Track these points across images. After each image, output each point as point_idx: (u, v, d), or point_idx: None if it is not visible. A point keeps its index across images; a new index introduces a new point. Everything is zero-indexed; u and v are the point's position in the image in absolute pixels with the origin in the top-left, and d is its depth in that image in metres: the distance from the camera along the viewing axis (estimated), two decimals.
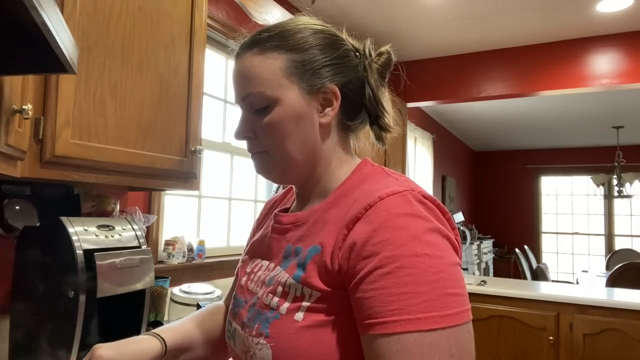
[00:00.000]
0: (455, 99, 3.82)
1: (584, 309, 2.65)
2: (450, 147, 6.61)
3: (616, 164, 5.70)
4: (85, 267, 1.06)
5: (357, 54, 0.74)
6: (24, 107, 0.83)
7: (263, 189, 2.69)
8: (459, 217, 5.02)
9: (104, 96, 1.15)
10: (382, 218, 0.57)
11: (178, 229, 2.07)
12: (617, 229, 7.25)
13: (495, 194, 7.93)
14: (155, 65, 1.31)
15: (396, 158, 3.51)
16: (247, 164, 2.53)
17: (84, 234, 1.11)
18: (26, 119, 0.88)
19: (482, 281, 3.09)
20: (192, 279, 1.97)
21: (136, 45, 1.25)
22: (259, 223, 0.87)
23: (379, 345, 0.53)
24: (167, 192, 1.93)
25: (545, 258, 7.65)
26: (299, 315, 0.60)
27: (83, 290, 1.05)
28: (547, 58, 3.39)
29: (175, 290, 1.77)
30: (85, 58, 1.10)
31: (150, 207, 1.85)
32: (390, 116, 0.74)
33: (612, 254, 6.01)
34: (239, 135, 0.71)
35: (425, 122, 5.31)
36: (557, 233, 7.68)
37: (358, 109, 0.73)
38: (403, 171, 3.66)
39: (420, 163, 4.99)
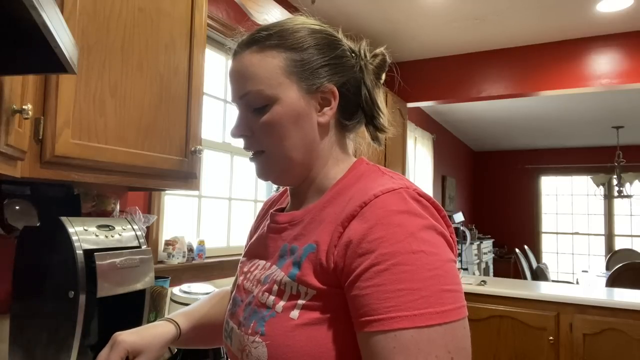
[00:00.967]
0: (455, 99, 3.82)
1: (584, 309, 2.65)
2: (450, 147, 6.61)
3: (616, 164, 5.70)
4: (85, 267, 1.06)
5: (353, 54, 0.74)
6: (24, 107, 0.83)
7: (263, 189, 2.69)
8: (459, 217, 5.02)
9: (104, 96, 1.15)
10: (378, 215, 0.58)
11: (178, 229, 2.07)
12: (617, 229, 7.25)
13: (495, 194, 7.93)
14: (155, 65, 1.31)
15: (396, 158, 3.51)
16: (247, 164, 2.54)
17: (84, 234, 1.11)
18: (26, 119, 0.88)
19: (482, 281, 3.09)
20: (192, 279, 1.97)
21: (136, 45, 1.25)
22: (257, 224, 0.87)
23: (376, 342, 0.53)
24: (167, 192, 1.93)
25: (545, 258, 7.65)
26: (295, 313, 0.60)
27: (83, 290, 1.05)
28: (547, 58, 3.39)
29: (175, 290, 1.77)
30: (85, 58, 1.10)
31: (150, 207, 1.85)
32: (385, 117, 0.75)
33: (612, 254, 6.01)
34: (236, 133, 0.72)
35: (425, 122, 5.31)
36: (557, 233, 7.68)
37: (355, 109, 0.74)
38: (403, 171, 3.66)
39: (420, 163, 4.99)
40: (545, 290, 2.95)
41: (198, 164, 1.46)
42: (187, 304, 1.74)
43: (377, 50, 0.77)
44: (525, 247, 6.34)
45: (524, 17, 3.02)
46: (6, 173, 0.87)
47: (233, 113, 2.43)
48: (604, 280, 4.34)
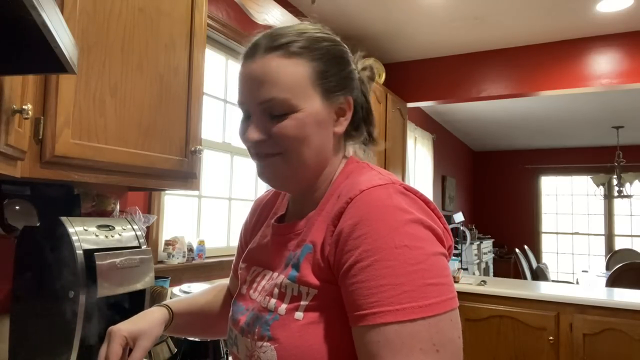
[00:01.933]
0: (455, 99, 3.82)
1: (584, 309, 2.65)
2: (450, 147, 6.61)
3: (616, 164, 5.70)
4: (85, 267, 1.06)
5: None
6: (24, 107, 0.83)
7: (263, 189, 2.69)
8: (459, 217, 5.02)
9: (104, 96, 1.15)
10: (362, 211, 0.59)
11: (178, 229, 2.07)
12: (617, 229, 7.25)
13: (495, 194, 7.93)
14: (155, 65, 1.31)
15: (396, 158, 3.51)
16: (247, 164, 2.53)
17: (84, 234, 1.11)
18: (26, 119, 0.88)
19: (482, 281, 3.09)
20: (192, 279, 1.97)
21: (136, 45, 1.25)
22: (253, 226, 0.89)
23: (363, 336, 0.55)
24: (167, 192, 1.93)
25: (545, 258, 7.65)
26: (299, 314, 0.61)
27: (83, 290, 1.05)
28: (547, 58, 3.39)
29: (175, 290, 1.77)
30: (85, 58, 1.10)
31: (150, 207, 1.85)
32: (376, 129, 0.79)
33: (612, 254, 6.01)
34: (253, 137, 0.67)
35: (425, 122, 5.31)
36: (557, 233, 7.68)
37: (360, 121, 0.76)
38: (403, 171, 3.66)
39: (420, 163, 4.99)
40: (545, 290, 2.95)
41: (198, 164, 1.46)
42: None
43: (367, 63, 0.78)
44: (525, 247, 6.34)
45: (524, 17, 3.02)
46: (6, 173, 0.87)
47: (233, 113, 2.43)
48: (604, 280, 4.34)
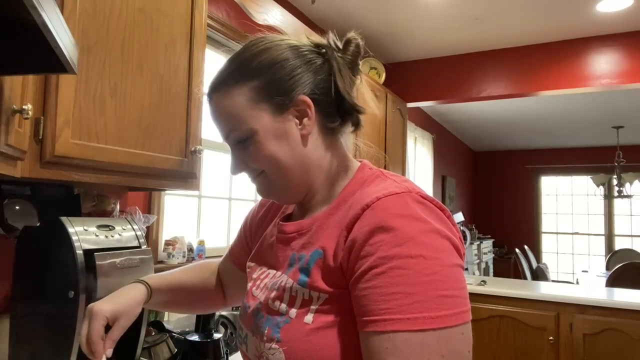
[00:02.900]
0: (455, 99, 3.82)
1: (584, 309, 2.65)
2: (450, 147, 6.61)
3: (616, 164, 5.70)
4: (85, 267, 1.06)
5: (321, 50, 0.72)
6: (24, 107, 0.83)
7: None
8: (459, 217, 5.02)
9: (104, 96, 1.15)
10: (379, 219, 0.58)
11: (178, 229, 2.07)
12: (617, 229, 7.25)
13: (495, 194, 7.93)
14: (155, 66, 1.31)
15: (396, 158, 3.51)
16: None
17: (84, 234, 1.11)
18: (26, 119, 0.88)
19: (482, 281, 3.09)
20: None
21: (136, 46, 1.25)
22: (261, 217, 0.89)
23: (371, 342, 0.55)
24: (167, 192, 1.92)
25: (545, 258, 7.65)
26: (309, 318, 0.61)
27: (83, 290, 1.05)
28: (547, 58, 3.39)
29: None
30: (85, 58, 1.10)
31: (150, 207, 1.84)
32: (351, 97, 0.72)
33: (612, 254, 6.01)
34: (235, 171, 0.74)
35: (425, 122, 5.31)
36: (557, 233, 7.68)
37: (334, 108, 0.72)
38: (403, 171, 3.66)
39: (420, 163, 4.99)
40: (545, 290, 2.95)
41: (198, 164, 1.46)
42: None
43: (349, 36, 0.74)
44: (525, 247, 6.35)
45: (524, 17, 3.02)
46: (6, 173, 0.87)
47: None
48: (604, 280, 4.34)
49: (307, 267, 0.64)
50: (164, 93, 1.34)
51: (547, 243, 7.73)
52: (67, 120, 1.05)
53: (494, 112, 5.52)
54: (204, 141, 1.58)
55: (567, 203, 7.66)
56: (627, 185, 5.77)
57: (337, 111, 0.72)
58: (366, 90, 0.77)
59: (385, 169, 0.73)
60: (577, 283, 5.27)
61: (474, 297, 2.88)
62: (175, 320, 1.71)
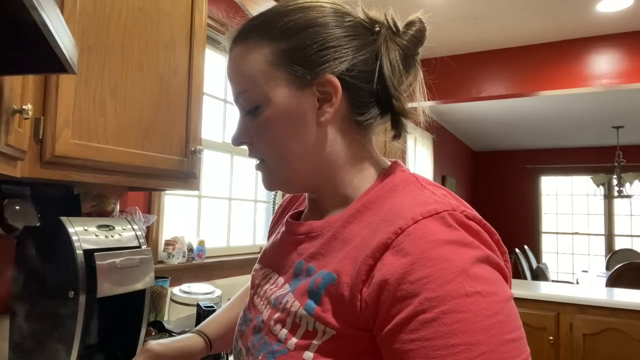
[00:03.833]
0: (455, 99, 3.82)
1: (584, 309, 2.65)
2: (450, 147, 6.61)
3: (616, 164, 5.70)
4: (85, 267, 1.06)
5: (375, 27, 0.60)
6: (24, 107, 0.83)
7: (263, 189, 2.69)
8: None
9: (104, 96, 1.15)
10: (419, 248, 0.47)
11: (178, 229, 2.07)
12: (617, 229, 7.25)
13: (495, 194, 7.93)
14: (155, 65, 1.31)
15: (396, 158, 3.50)
16: (247, 164, 2.54)
17: (84, 234, 1.11)
18: (26, 119, 0.88)
19: None
20: (192, 279, 1.97)
21: (136, 45, 1.25)
22: (274, 223, 0.80)
23: None
24: (167, 192, 1.92)
25: (545, 258, 7.65)
26: (309, 355, 0.51)
27: (83, 290, 1.05)
28: (547, 58, 3.39)
29: (175, 290, 1.77)
30: (85, 58, 1.10)
31: (150, 207, 1.84)
32: (404, 99, 0.60)
33: (612, 254, 6.01)
34: (235, 141, 0.64)
35: (425, 122, 5.30)
36: (557, 233, 7.68)
37: (371, 100, 0.60)
38: None
39: (420, 163, 4.99)
40: (545, 290, 2.95)
41: (198, 164, 1.46)
42: (187, 304, 1.74)
43: (412, 17, 0.62)
44: (525, 247, 6.35)
45: (524, 17, 3.02)
46: (6, 173, 0.87)
47: (233, 113, 2.43)
48: (604, 280, 4.34)
49: (318, 292, 0.53)
50: (164, 93, 1.34)
51: (547, 243, 7.73)
52: (67, 120, 1.05)
53: (494, 112, 5.52)
54: (204, 141, 1.58)
55: (567, 203, 7.66)
56: (627, 185, 5.77)
57: (377, 105, 0.60)
58: (421, 93, 0.64)
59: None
60: (577, 283, 5.27)
61: None
62: (175, 320, 1.71)
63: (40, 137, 1.01)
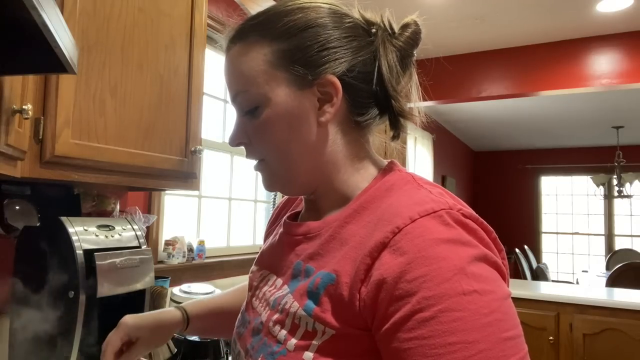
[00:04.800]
0: (455, 99, 3.82)
1: (584, 309, 2.65)
2: (450, 147, 6.61)
3: (616, 164, 5.70)
4: (85, 267, 1.06)
5: (370, 28, 0.61)
6: (24, 107, 0.83)
7: (263, 189, 2.69)
8: None
9: (104, 96, 1.15)
10: (417, 246, 0.47)
11: (178, 229, 2.07)
12: (617, 229, 7.25)
13: (495, 194, 7.93)
14: (155, 65, 1.31)
15: (396, 158, 3.50)
16: (247, 164, 2.53)
17: (84, 234, 1.11)
18: (26, 119, 0.88)
19: None
20: (192, 279, 1.97)
21: (136, 46, 1.25)
22: (271, 225, 0.80)
23: None
24: (167, 192, 1.92)
25: (545, 258, 7.65)
26: (308, 356, 0.51)
27: (83, 290, 1.05)
28: (547, 58, 3.39)
29: (175, 290, 1.77)
30: (85, 58, 1.10)
31: (150, 207, 1.84)
32: (403, 100, 0.61)
33: (612, 254, 6.01)
34: (233, 141, 0.64)
35: (425, 122, 5.30)
36: (557, 233, 7.68)
37: (370, 100, 0.61)
38: None
39: (420, 163, 4.99)
40: (545, 290, 2.95)
41: (198, 164, 1.46)
42: None
43: (408, 19, 0.64)
44: (525, 247, 6.35)
45: (524, 17, 3.02)
46: (6, 173, 0.87)
47: (233, 113, 2.43)
48: (604, 280, 4.34)
49: (317, 292, 0.53)
50: (164, 93, 1.34)
51: (547, 243, 7.73)
52: (67, 120, 1.05)
53: (494, 112, 5.52)
54: (204, 141, 1.58)
55: (567, 203, 7.66)
56: (627, 185, 5.77)
57: (376, 105, 0.61)
58: (417, 93, 0.65)
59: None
60: (577, 283, 5.27)
61: None
62: None
63: (40, 137, 1.01)
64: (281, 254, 0.64)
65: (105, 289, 1.10)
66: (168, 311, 0.82)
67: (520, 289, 2.91)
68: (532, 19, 3.04)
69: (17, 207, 1.25)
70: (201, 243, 2.08)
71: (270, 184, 0.64)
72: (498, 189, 7.94)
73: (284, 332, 0.55)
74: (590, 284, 4.48)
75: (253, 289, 0.68)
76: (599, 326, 2.60)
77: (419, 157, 4.96)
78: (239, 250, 2.44)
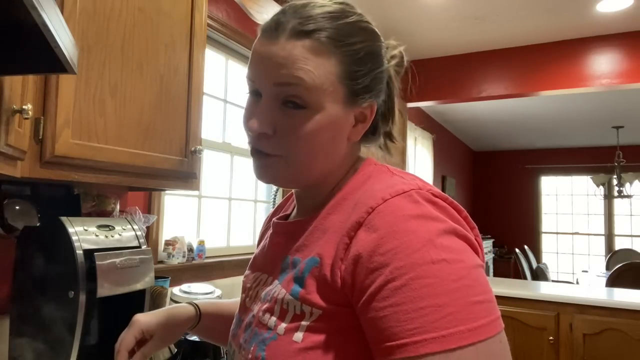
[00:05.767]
0: (455, 99, 3.82)
1: (584, 309, 2.65)
2: (450, 147, 6.61)
3: (616, 164, 5.70)
4: (85, 267, 1.06)
5: (388, 54, 0.66)
6: (24, 107, 0.83)
7: (263, 189, 2.69)
8: None
9: (104, 96, 1.15)
10: (388, 222, 0.51)
11: (178, 229, 2.07)
12: (617, 229, 7.25)
13: (495, 194, 7.93)
14: (155, 65, 1.31)
15: (395, 158, 3.50)
16: (247, 164, 2.53)
17: (84, 234, 1.11)
18: (26, 119, 0.88)
19: None
20: (192, 279, 1.97)
21: (136, 45, 1.25)
22: (264, 231, 0.82)
23: None
24: (167, 192, 1.93)
25: (545, 258, 7.65)
26: (298, 336, 0.54)
27: (83, 290, 1.05)
28: (547, 58, 3.39)
29: (175, 290, 1.77)
30: (85, 58, 1.10)
31: (150, 207, 1.85)
32: (396, 126, 0.70)
33: (612, 254, 6.01)
34: (258, 128, 0.59)
35: (425, 122, 5.31)
36: (557, 233, 7.68)
37: (379, 122, 0.68)
38: None
39: (420, 163, 4.99)
40: (545, 290, 2.95)
41: (198, 164, 1.46)
42: None
43: (395, 52, 0.68)
44: (525, 247, 6.35)
45: (524, 17, 3.02)
46: (6, 173, 0.87)
47: (233, 113, 2.43)
48: (604, 280, 4.34)
49: (302, 276, 0.56)
50: (164, 93, 1.34)
51: (547, 243, 7.73)
52: (67, 120, 1.05)
53: (494, 112, 5.52)
54: (204, 141, 1.58)
55: (567, 203, 7.66)
56: (627, 185, 5.77)
57: (378, 124, 0.68)
58: (397, 112, 0.71)
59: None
60: (577, 283, 5.27)
61: None
62: None
63: (40, 137, 1.01)
64: (272, 254, 0.67)
65: (105, 289, 1.10)
66: (181, 306, 0.82)
67: (520, 289, 2.91)
68: (532, 19, 3.04)
69: (17, 207, 1.25)
70: (201, 243, 2.08)
71: (274, 179, 0.63)
72: (498, 189, 7.94)
73: (273, 318, 0.57)
74: (590, 284, 4.48)
75: (246, 290, 0.70)
76: (599, 326, 2.60)
77: (419, 157, 4.96)
78: (239, 250, 2.44)
